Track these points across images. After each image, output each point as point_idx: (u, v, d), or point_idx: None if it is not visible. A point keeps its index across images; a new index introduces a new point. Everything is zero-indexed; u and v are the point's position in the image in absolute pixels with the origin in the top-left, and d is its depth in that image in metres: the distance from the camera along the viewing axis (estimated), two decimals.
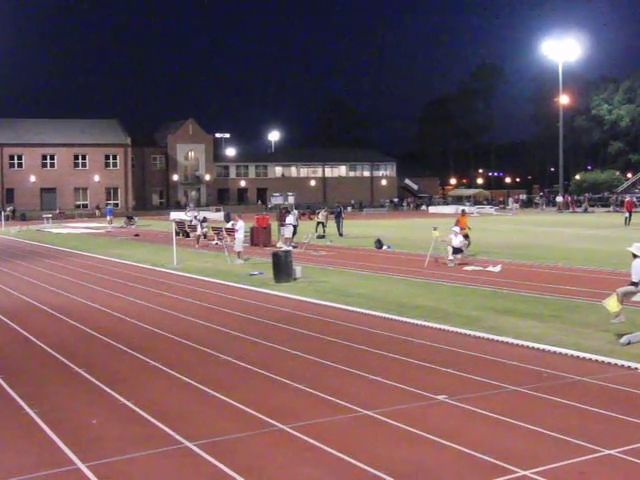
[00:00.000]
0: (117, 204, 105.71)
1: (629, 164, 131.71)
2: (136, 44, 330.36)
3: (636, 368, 12.25)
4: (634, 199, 70.01)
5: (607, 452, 8.45)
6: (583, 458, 8.30)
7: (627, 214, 56.88)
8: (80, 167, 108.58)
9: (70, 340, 15.91)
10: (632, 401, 10.53)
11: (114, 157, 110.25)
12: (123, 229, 64.72)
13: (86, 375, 12.54)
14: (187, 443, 9.02)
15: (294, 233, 41.43)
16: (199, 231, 43.20)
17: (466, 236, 31.42)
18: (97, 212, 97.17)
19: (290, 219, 40.06)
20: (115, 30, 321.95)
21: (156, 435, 9.40)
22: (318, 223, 48.65)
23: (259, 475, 8.03)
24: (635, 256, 15.27)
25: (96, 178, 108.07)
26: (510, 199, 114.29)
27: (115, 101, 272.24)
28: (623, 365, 12.46)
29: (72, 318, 18.47)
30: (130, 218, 72.28)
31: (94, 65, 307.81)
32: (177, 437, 9.25)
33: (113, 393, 11.35)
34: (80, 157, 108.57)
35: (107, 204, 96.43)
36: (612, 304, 15.18)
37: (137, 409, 10.49)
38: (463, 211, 35.84)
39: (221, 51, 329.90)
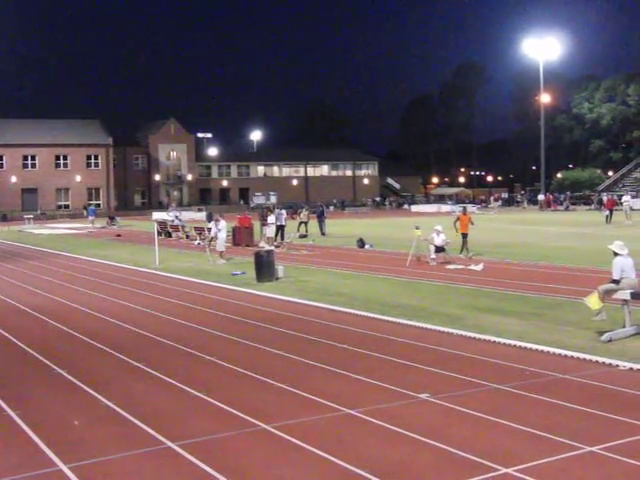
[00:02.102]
0: (99, 204, 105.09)
1: (610, 162, 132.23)
2: (117, 44, 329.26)
3: (617, 365, 12.31)
4: (615, 197, 70.20)
5: (589, 449, 8.48)
6: (565, 455, 8.32)
7: (608, 212, 57.09)
8: (62, 167, 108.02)
9: (52, 341, 15.85)
10: (613, 398, 10.57)
11: (96, 157, 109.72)
12: (105, 229, 64.55)
13: (68, 376, 12.50)
14: (169, 443, 9.01)
15: (282, 233, 41.50)
16: (213, 231, 41.71)
17: (464, 235, 31.27)
18: (84, 212, 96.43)
19: (272, 219, 40.07)
20: (96, 30, 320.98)
21: (138, 436, 9.38)
22: (300, 222, 48.65)
23: (242, 475, 8.02)
24: (616, 254, 15.37)
25: (78, 178, 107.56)
26: (491, 197, 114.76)
27: (96, 101, 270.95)
28: (604, 362, 12.51)
29: (53, 319, 18.41)
30: (112, 218, 72.10)
31: (75, 65, 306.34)
32: (159, 437, 9.23)
33: (95, 394, 11.32)
34: (61, 157, 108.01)
35: (89, 204, 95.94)
36: (593, 302, 15.27)
37: (119, 410, 10.46)
38: (464, 209, 35.24)
39: (202, 50, 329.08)
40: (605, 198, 72.59)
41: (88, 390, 11.58)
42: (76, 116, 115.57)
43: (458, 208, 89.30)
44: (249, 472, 8.10)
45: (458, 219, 32.18)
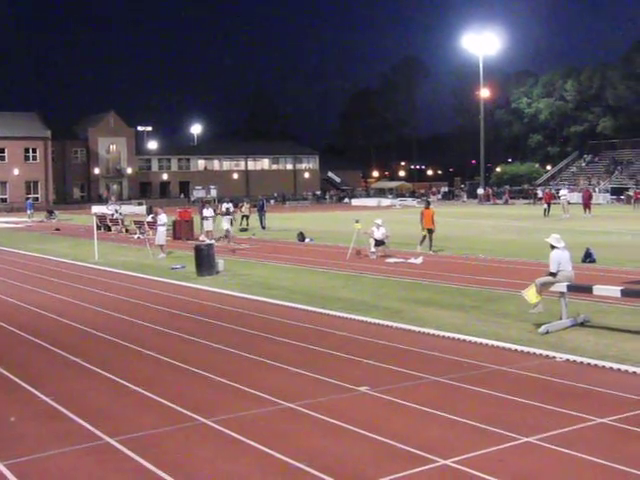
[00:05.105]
0: (37, 198, 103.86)
1: (548, 156, 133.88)
2: (54, 35, 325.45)
3: (554, 357, 12.48)
4: (552, 191, 71.08)
5: (525, 439, 8.58)
6: (502, 446, 8.42)
7: (546, 205, 57.85)
8: None
9: None
10: (549, 389, 10.71)
11: (34, 150, 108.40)
12: (43, 223, 63.78)
13: (4, 372, 12.32)
14: (108, 439, 8.93)
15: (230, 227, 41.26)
16: (218, 226, 39.68)
17: (430, 230, 30.10)
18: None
19: (209, 212, 39.68)
20: (32, 20, 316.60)
21: (76, 431, 9.28)
22: (242, 216, 48.53)
23: (182, 470, 7.98)
24: (553, 247, 15.57)
25: (15, 172, 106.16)
26: (430, 191, 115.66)
27: (34, 93, 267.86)
28: (541, 354, 12.67)
29: None
30: (51, 212, 71.22)
31: (11, 56, 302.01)
32: (98, 433, 9.15)
33: (32, 390, 11.18)
34: None
35: (27, 198, 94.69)
36: (531, 295, 15.48)
37: (57, 405, 10.35)
38: (428, 203, 33.38)
39: (142, 42, 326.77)
40: (541, 192, 73.40)
41: (25, 386, 11.43)
42: (13, 109, 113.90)
43: (397, 201, 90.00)
44: (189, 467, 8.07)
45: (422, 214, 30.63)
